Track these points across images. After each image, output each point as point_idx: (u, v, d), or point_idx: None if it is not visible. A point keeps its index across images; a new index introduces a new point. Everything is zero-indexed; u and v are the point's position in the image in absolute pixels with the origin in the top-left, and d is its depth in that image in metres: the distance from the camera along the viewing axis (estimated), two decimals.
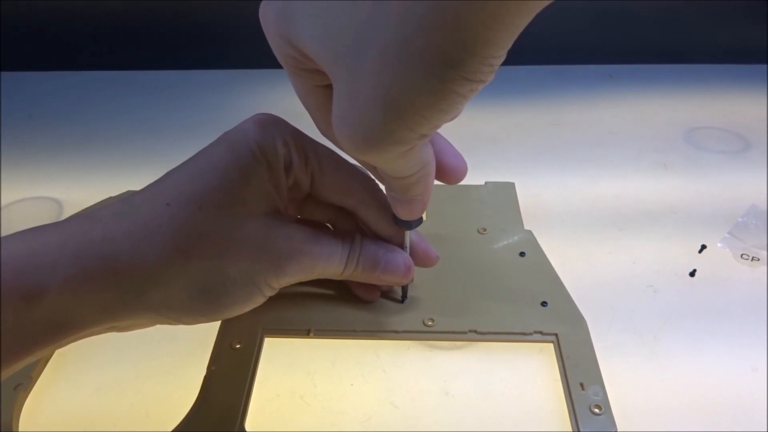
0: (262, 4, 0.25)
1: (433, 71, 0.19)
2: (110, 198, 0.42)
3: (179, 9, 0.64)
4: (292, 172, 0.30)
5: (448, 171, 0.29)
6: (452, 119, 0.22)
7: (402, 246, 0.33)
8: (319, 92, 0.27)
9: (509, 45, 0.19)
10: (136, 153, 0.51)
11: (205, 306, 0.28)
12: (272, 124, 0.30)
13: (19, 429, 0.30)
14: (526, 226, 0.41)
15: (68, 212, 0.45)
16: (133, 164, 0.50)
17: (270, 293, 0.30)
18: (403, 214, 0.30)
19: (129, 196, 0.28)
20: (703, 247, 0.39)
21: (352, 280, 0.33)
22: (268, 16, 0.25)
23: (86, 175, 0.49)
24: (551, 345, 0.33)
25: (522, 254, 0.38)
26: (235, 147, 0.29)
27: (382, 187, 0.31)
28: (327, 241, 0.30)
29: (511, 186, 0.45)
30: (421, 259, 0.34)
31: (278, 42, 0.25)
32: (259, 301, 0.29)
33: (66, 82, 0.64)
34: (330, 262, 0.31)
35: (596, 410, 0.29)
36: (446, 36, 0.18)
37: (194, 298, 0.27)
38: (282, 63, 0.26)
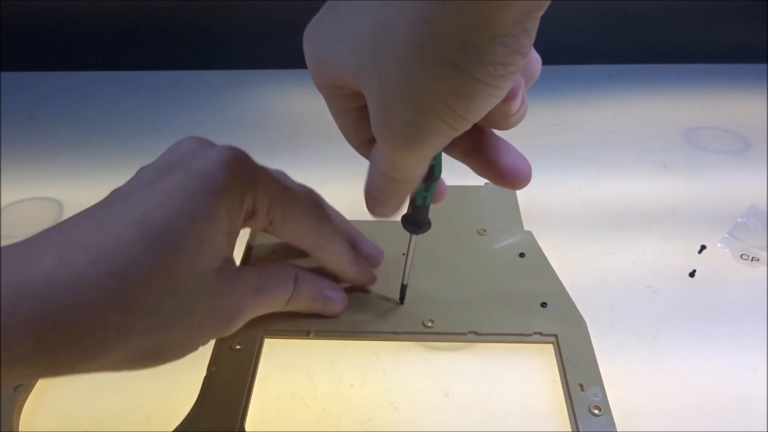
0: (304, 39, 0.25)
1: (444, 57, 0.19)
2: None
3: (179, 9, 0.64)
4: (252, 220, 0.30)
5: (507, 173, 0.27)
6: (489, 107, 0.21)
7: (352, 276, 0.35)
8: (351, 114, 0.27)
9: (522, 24, 0.19)
10: (136, 153, 0.51)
11: (141, 366, 0.26)
12: (242, 172, 0.28)
13: (20, 430, 0.30)
14: (526, 227, 0.41)
15: (68, 212, 0.45)
16: (133, 164, 0.49)
17: (205, 344, 0.29)
18: (373, 211, 0.29)
19: (66, 239, 0.24)
20: (703, 247, 0.39)
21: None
22: (305, 48, 0.25)
23: (86, 175, 0.49)
24: (551, 346, 0.33)
25: (522, 255, 0.38)
26: (193, 198, 0.26)
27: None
28: (271, 287, 0.31)
29: None
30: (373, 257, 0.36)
31: (315, 71, 0.25)
32: (193, 351, 0.28)
33: (66, 82, 0.64)
34: (273, 307, 0.31)
35: (596, 411, 0.29)
36: (446, 20, 0.18)
37: (130, 363, 0.26)
38: (319, 89, 0.26)
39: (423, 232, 0.32)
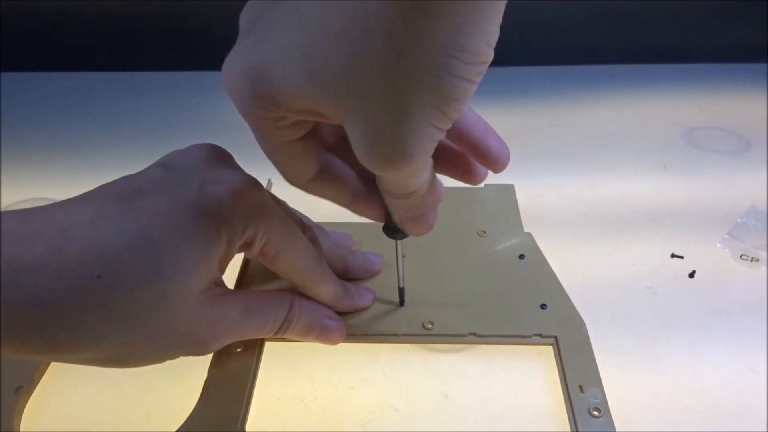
0: (224, 69, 0.23)
1: (434, 67, 0.19)
2: None
3: (179, 9, 0.64)
4: (246, 248, 0.29)
5: (491, 154, 0.27)
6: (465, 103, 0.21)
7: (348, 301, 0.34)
8: (296, 147, 0.26)
9: (499, 19, 0.19)
10: (136, 154, 0.51)
11: (99, 365, 0.26)
12: (252, 206, 0.28)
13: (20, 430, 0.30)
14: (526, 228, 0.41)
15: None
16: (133, 165, 0.49)
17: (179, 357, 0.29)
18: (416, 231, 0.29)
19: (59, 228, 0.24)
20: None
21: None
22: (233, 78, 0.23)
23: (86, 175, 0.49)
24: (550, 347, 0.33)
25: (521, 257, 0.38)
26: (200, 220, 0.26)
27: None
28: (260, 312, 0.30)
29: (510, 188, 0.45)
30: (368, 271, 0.37)
31: (250, 103, 0.23)
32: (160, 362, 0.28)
33: (66, 82, 0.64)
34: (260, 332, 0.30)
35: (595, 413, 0.29)
36: (432, 30, 0.18)
37: (90, 361, 0.26)
38: (254, 125, 0.25)
39: (404, 238, 0.31)
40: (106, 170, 0.50)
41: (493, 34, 0.19)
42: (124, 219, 0.25)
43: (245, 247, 0.29)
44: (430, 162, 0.25)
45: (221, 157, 0.29)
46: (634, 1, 0.62)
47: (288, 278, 0.31)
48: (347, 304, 0.34)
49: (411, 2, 0.17)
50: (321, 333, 0.32)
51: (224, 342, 0.29)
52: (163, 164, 0.29)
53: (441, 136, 0.22)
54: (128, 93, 0.62)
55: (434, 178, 0.27)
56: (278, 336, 0.31)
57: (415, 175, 0.24)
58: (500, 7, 0.19)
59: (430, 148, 0.22)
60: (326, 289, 0.32)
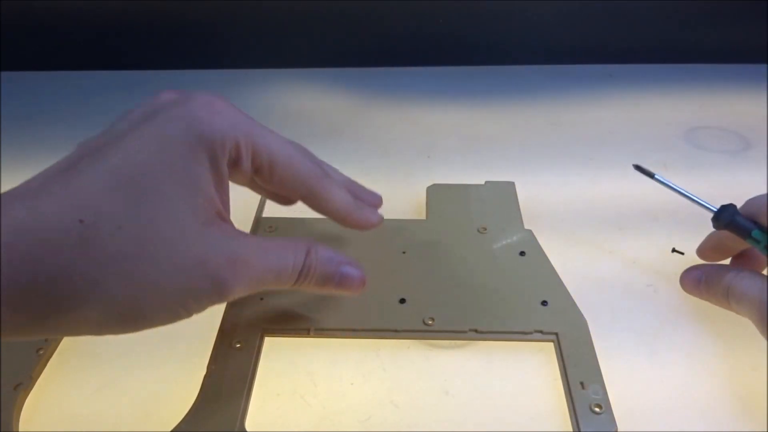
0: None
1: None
2: None
3: (179, 9, 0.64)
4: (238, 169, 0.27)
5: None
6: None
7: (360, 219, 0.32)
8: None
9: None
10: None
11: (122, 328, 0.24)
12: (223, 114, 0.26)
13: (20, 429, 0.30)
14: (526, 226, 0.41)
15: None
16: None
17: (197, 312, 0.26)
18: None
19: (35, 190, 0.23)
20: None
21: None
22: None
23: None
24: (551, 344, 0.33)
25: (522, 253, 0.38)
26: (171, 143, 0.24)
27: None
28: (277, 253, 0.27)
29: (511, 185, 0.45)
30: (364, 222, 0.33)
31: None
32: (183, 318, 0.25)
33: (66, 82, 0.64)
34: (280, 278, 0.27)
35: (597, 409, 0.29)
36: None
37: (110, 324, 0.24)
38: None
39: None
40: None
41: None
42: (95, 164, 0.24)
43: (236, 168, 0.27)
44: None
45: (184, 92, 0.28)
46: (634, 1, 0.62)
47: (293, 191, 0.29)
48: (360, 215, 0.32)
49: None
50: (341, 281, 0.30)
51: (244, 284, 0.26)
52: (123, 117, 0.27)
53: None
54: (128, 92, 0.62)
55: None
56: (297, 286, 0.28)
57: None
58: None
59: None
60: (337, 195, 0.30)
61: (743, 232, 0.32)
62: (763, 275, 0.31)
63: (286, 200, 0.34)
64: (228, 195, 0.27)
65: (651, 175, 0.34)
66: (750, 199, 0.34)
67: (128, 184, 0.23)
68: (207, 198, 0.25)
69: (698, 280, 0.34)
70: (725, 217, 0.32)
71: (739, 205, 0.34)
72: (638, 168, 0.35)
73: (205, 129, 0.25)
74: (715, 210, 0.33)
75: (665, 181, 0.34)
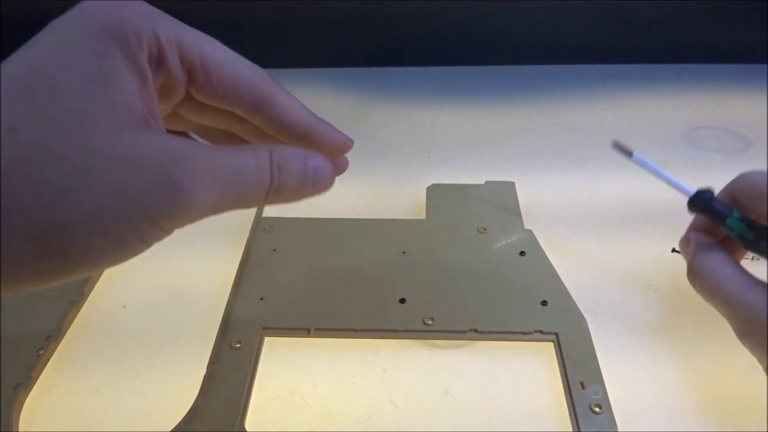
0: None
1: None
2: None
3: (179, 9, 0.64)
4: (165, 70, 0.23)
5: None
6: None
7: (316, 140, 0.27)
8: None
9: None
10: None
11: (49, 259, 0.20)
12: (132, 6, 0.23)
13: (19, 429, 0.30)
14: (526, 225, 0.41)
15: None
16: None
17: (155, 239, 0.21)
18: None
19: None
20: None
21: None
22: None
23: None
24: (551, 344, 0.33)
25: (522, 253, 0.38)
26: (73, 38, 0.21)
27: None
28: (232, 152, 0.23)
29: (511, 185, 0.45)
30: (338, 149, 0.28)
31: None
32: (138, 249, 0.21)
33: None
34: (247, 182, 0.23)
35: (596, 409, 0.29)
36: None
37: (39, 260, 0.20)
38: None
39: None
40: None
41: None
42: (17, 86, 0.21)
43: (162, 69, 0.23)
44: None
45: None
46: (634, 1, 0.62)
47: (239, 97, 0.25)
48: (326, 130, 0.27)
49: None
50: (314, 176, 0.25)
51: (201, 182, 0.21)
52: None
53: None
54: None
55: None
56: (273, 197, 0.24)
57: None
58: None
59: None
60: (294, 103, 0.26)
61: (719, 219, 0.30)
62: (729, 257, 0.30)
63: (232, 135, 0.28)
64: (157, 105, 0.23)
65: (630, 154, 0.33)
66: (744, 174, 0.30)
67: (23, 87, 0.20)
68: (127, 95, 0.21)
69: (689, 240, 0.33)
70: (700, 202, 0.31)
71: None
72: (617, 146, 0.33)
73: (112, 19, 0.22)
74: (691, 194, 0.32)
75: (644, 162, 0.33)
